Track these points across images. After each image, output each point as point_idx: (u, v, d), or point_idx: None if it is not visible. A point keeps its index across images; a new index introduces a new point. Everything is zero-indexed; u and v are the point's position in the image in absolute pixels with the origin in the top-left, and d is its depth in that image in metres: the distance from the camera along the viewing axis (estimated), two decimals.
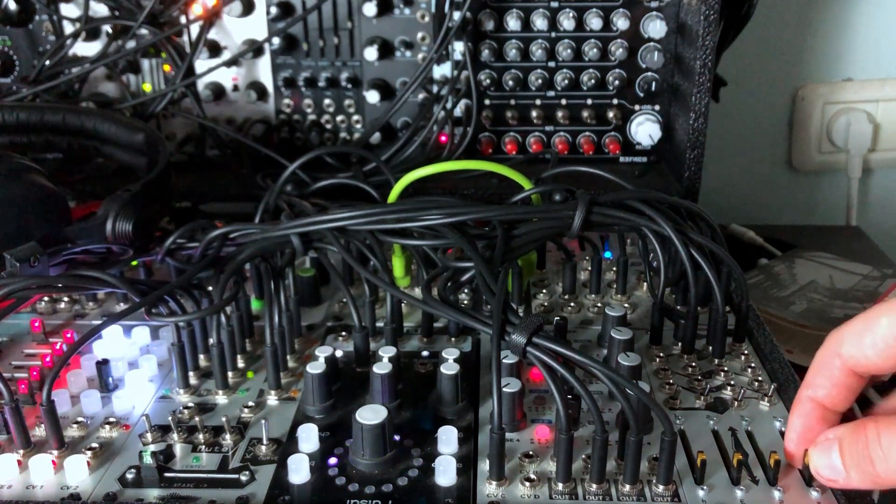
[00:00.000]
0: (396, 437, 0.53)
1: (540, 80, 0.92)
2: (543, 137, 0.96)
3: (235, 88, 0.96)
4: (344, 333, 0.67)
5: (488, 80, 0.92)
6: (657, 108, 0.94)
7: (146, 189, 0.70)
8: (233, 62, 0.93)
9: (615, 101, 0.94)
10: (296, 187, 0.84)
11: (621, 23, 0.89)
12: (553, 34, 0.91)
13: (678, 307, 0.69)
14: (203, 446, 0.54)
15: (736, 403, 0.58)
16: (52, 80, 0.89)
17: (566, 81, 0.92)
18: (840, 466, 0.46)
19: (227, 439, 0.55)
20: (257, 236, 0.67)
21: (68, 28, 0.92)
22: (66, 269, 0.64)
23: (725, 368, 0.62)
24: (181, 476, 0.52)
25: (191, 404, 0.58)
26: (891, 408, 0.50)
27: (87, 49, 0.93)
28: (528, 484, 0.50)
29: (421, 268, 0.67)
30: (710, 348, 0.63)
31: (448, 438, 0.53)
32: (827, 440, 0.47)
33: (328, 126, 0.97)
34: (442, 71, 0.93)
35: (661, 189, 0.86)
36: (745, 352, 0.64)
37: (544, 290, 0.73)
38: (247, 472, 0.52)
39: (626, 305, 0.70)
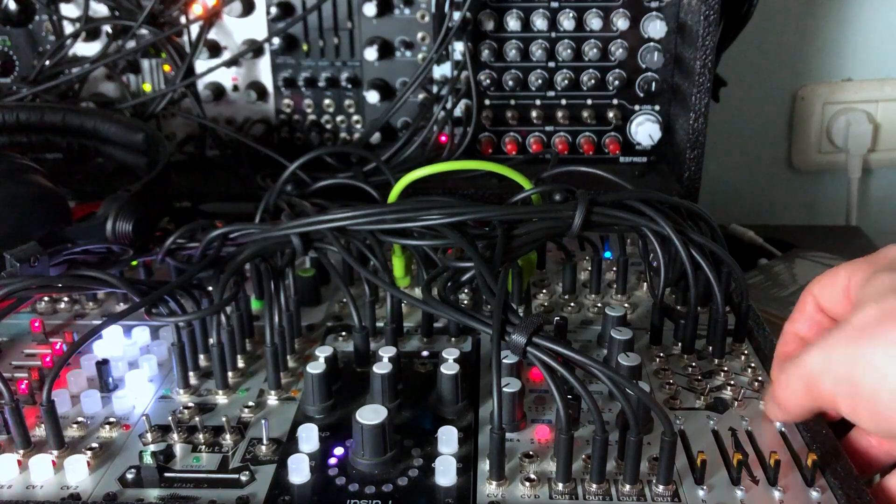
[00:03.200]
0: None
1: (540, 80, 0.92)
2: (543, 137, 0.95)
3: (235, 88, 0.96)
4: (344, 333, 0.67)
5: (488, 80, 0.92)
6: (657, 108, 0.94)
7: (146, 189, 0.70)
8: (233, 62, 0.93)
9: (615, 101, 0.94)
10: (296, 187, 0.83)
11: (621, 23, 0.89)
12: (553, 34, 0.91)
13: (678, 307, 0.69)
14: (203, 446, 0.54)
15: (736, 403, 0.58)
16: (52, 80, 0.89)
17: (566, 81, 0.92)
18: (771, 400, 0.55)
19: (227, 439, 0.55)
20: (257, 236, 0.67)
21: (68, 28, 0.92)
22: (66, 269, 0.64)
23: (725, 368, 0.62)
24: (181, 476, 0.52)
25: (191, 404, 0.58)
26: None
27: (87, 49, 0.93)
28: (528, 484, 0.50)
29: (421, 268, 0.67)
30: (710, 348, 0.63)
31: (448, 438, 0.53)
32: None
33: (328, 126, 0.97)
34: (442, 71, 0.93)
35: (661, 189, 0.86)
36: (745, 352, 0.64)
37: (544, 290, 0.73)
38: (247, 472, 0.52)
39: (626, 305, 0.70)
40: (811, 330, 0.57)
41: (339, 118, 0.96)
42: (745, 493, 0.49)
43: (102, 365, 0.60)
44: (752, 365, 0.62)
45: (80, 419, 0.57)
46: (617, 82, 0.92)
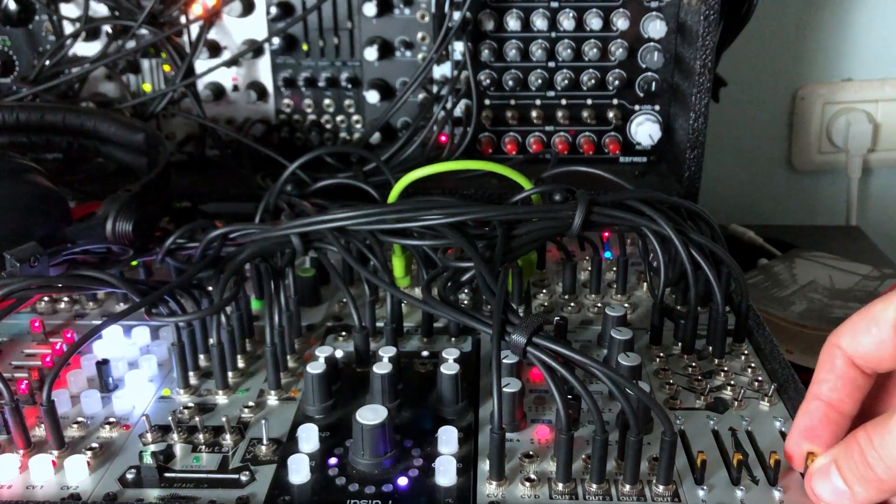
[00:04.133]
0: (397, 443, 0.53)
1: (540, 80, 0.92)
2: (543, 137, 0.96)
3: (235, 88, 0.96)
4: (344, 333, 0.67)
5: (488, 80, 0.92)
6: (657, 108, 0.94)
7: (146, 189, 0.70)
8: (233, 62, 0.93)
9: (615, 101, 0.94)
10: (296, 187, 0.83)
11: (621, 23, 0.89)
12: (553, 34, 0.91)
13: (678, 307, 0.69)
14: (203, 446, 0.54)
15: (736, 403, 0.58)
16: (52, 80, 0.89)
17: (566, 81, 0.92)
18: (843, 486, 0.46)
19: (227, 439, 0.55)
20: (257, 236, 0.67)
21: (68, 28, 0.92)
22: (66, 269, 0.64)
23: (725, 368, 0.62)
24: (181, 476, 0.52)
25: (191, 404, 0.58)
26: None
27: (87, 49, 0.93)
28: (528, 484, 0.50)
29: (421, 268, 0.67)
30: (710, 348, 0.63)
31: (448, 438, 0.53)
32: (822, 465, 0.47)
33: (328, 126, 0.97)
34: (442, 71, 0.93)
35: (661, 189, 0.86)
36: (745, 352, 0.64)
37: (544, 290, 0.73)
38: (247, 472, 0.52)
39: (626, 305, 0.70)
40: (844, 392, 0.48)
41: (339, 118, 0.96)
42: (745, 493, 0.49)
43: (102, 365, 0.60)
44: (752, 365, 0.62)
45: (80, 419, 0.57)
46: (617, 82, 0.92)
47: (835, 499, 0.46)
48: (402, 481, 0.50)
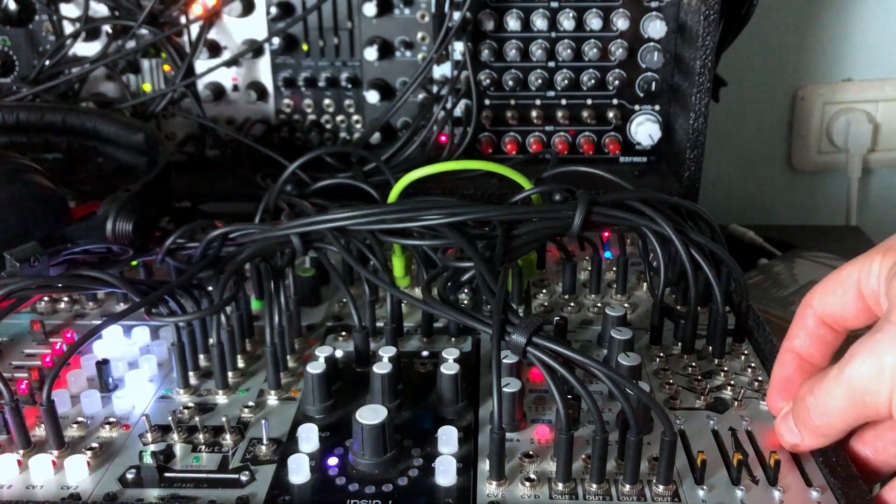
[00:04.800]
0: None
1: (540, 80, 0.92)
2: (543, 137, 0.96)
3: (235, 88, 0.96)
4: (344, 333, 0.67)
5: (488, 80, 0.92)
6: (657, 108, 0.94)
7: (146, 189, 0.70)
8: (233, 62, 0.93)
9: (615, 101, 0.94)
10: (296, 187, 0.83)
11: (621, 23, 0.89)
12: (553, 34, 0.91)
13: (678, 307, 0.69)
14: (203, 446, 0.54)
15: (736, 403, 0.58)
16: (52, 80, 0.89)
17: (566, 81, 0.92)
18: (794, 428, 0.51)
19: (227, 439, 0.55)
20: (257, 236, 0.67)
21: (68, 28, 0.92)
22: (66, 269, 0.64)
23: (725, 368, 0.62)
24: (181, 476, 0.52)
25: (191, 404, 0.58)
26: None
27: (87, 49, 0.93)
28: (528, 484, 0.50)
29: (421, 268, 0.67)
30: (710, 348, 0.63)
31: (448, 438, 0.53)
32: (785, 411, 0.52)
33: (328, 126, 0.97)
34: (442, 71, 0.93)
35: (661, 189, 0.86)
36: (745, 352, 0.64)
37: (544, 290, 0.73)
38: (247, 472, 0.52)
39: (626, 305, 0.70)
40: (814, 347, 0.53)
41: (339, 118, 0.96)
42: (745, 493, 0.49)
43: (102, 365, 0.60)
44: (752, 365, 0.62)
45: (80, 419, 0.57)
46: (617, 82, 0.92)
47: (790, 439, 0.51)
48: (402, 481, 0.50)
